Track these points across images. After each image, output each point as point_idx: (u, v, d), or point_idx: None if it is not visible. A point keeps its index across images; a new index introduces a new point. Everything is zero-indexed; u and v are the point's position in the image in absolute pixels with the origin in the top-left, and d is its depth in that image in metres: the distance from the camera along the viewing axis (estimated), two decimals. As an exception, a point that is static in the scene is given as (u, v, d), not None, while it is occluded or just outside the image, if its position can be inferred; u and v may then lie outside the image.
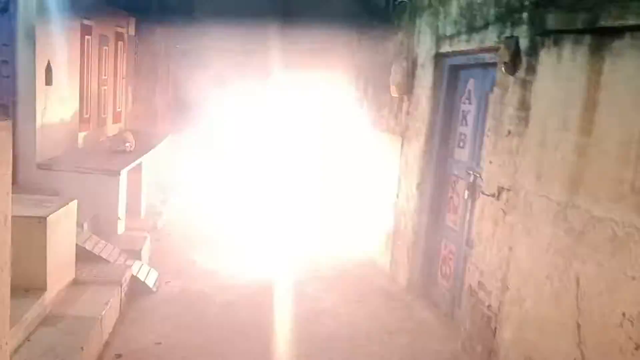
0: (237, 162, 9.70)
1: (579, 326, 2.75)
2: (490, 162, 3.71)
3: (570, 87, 2.91)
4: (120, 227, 5.39)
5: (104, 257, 4.58)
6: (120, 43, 8.70)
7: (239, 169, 9.28)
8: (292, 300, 4.76)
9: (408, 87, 5.20)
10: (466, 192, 4.32)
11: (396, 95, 5.40)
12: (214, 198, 8.01)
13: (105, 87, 8.05)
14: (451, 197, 4.69)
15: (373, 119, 6.31)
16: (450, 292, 4.57)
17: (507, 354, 3.34)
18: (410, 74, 5.17)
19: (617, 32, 2.57)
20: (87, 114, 7.17)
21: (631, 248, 2.45)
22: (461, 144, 4.57)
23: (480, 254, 3.77)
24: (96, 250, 4.60)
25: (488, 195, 3.71)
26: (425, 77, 4.91)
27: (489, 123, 3.79)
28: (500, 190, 3.55)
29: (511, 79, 3.51)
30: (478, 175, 4.19)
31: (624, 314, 2.47)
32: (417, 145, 4.97)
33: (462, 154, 4.52)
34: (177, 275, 5.06)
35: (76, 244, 4.41)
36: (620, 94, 2.58)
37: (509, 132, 3.49)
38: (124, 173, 5.45)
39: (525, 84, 3.36)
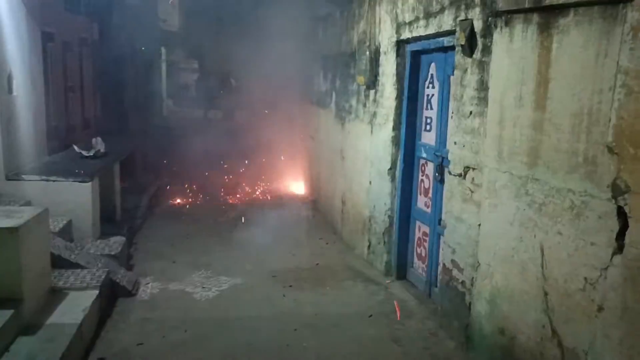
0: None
1: (545, 294, 2.86)
2: (455, 143, 3.80)
3: (523, 65, 3.01)
4: (95, 233, 5.36)
5: (81, 263, 4.56)
6: (84, 48, 8.60)
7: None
8: (271, 291, 4.81)
9: (373, 75, 5.27)
10: (436, 174, 4.41)
11: (362, 84, 5.47)
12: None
13: (72, 94, 7.98)
14: (422, 180, 4.78)
15: (342, 109, 6.37)
16: (426, 272, 4.68)
17: (482, 327, 3.45)
18: (375, 62, 5.24)
19: (561, 10, 2.67)
20: (54, 121, 7.10)
21: (588, 215, 2.56)
22: (428, 128, 4.66)
23: (452, 233, 3.87)
24: (72, 258, 4.58)
25: (455, 176, 3.80)
26: (388, 65, 4.98)
27: (452, 105, 3.88)
28: (466, 169, 3.65)
29: (469, 60, 3.60)
30: (445, 156, 4.28)
31: (585, 279, 2.58)
32: (385, 132, 5.04)
33: (429, 138, 4.61)
34: (156, 277, 5.05)
35: (51, 252, 4.39)
36: (569, 69, 2.68)
37: (471, 113, 3.59)
38: (95, 179, 5.42)
39: (482, 65, 3.45)
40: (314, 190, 7.92)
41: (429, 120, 4.65)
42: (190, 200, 8.21)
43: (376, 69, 5.21)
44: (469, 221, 3.62)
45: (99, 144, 6.42)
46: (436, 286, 4.51)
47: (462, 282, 3.71)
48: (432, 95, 4.57)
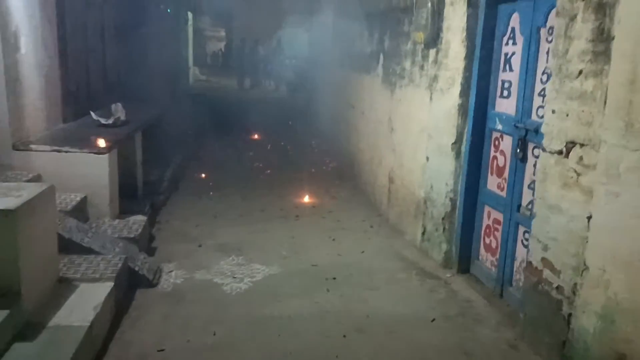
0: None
1: (701, 318, 2.10)
2: (554, 112, 3.00)
3: (680, 2, 2.18)
4: (113, 211, 4.75)
5: (95, 248, 3.95)
6: (107, 8, 7.94)
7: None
8: (312, 284, 4.15)
9: (435, 31, 4.44)
10: (517, 150, 3.62)
11: (420, 42, 4.65)
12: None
13: (94, 56, 7.35)
14: (494, 157, 4.00)
15: (392, 73, 5.56)
16: (497, 267, 3.93)
17: (588, 348, 2.71)
18: (437, 16, 4.41)
19: None
20: (73, 85, 6.49)
21: None
22: (505, 94, 3.85)
23: (543, 225, 3.10)
24: (85, 241, 3.97)
25: (552, 153, 3.01)
26: (456, 17, 4.15)
27: (551, 63, 3.07)
28: (571, 145, 2.86)
29: (580, 4, 2.78)
30: (530, 129, 3.49)
31: None
32: (449, 99, 4.25)
33: (508, 105, 3.81)
34: (180, 263, 4.43)
35: (60, 236, 3.80)
36: None
37: (581, 72, 2.78)
38: (113, 150, 4.78)
39: (602, 8, 2.63)
40: (354, 164, 7.17)
41: (506, 85, 3.83)
42: (218, 173, 7.54)
43: (439, 24, 4.39)
44: (572, 211, 2.84)
45: (119, 111, 5.78)
46: (511, 285, 3.77)
47: (558, 288, 2.96)
48: (513, 53, 3.75)
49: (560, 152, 2.94)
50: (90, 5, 7.09)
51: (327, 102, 9.36)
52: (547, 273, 3.06)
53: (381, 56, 5.92)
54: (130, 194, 5.49)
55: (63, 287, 3.45)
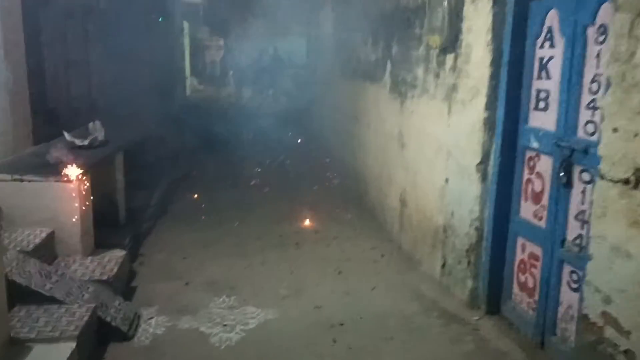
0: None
1: None
2: (616, 130, 2.39)
3: None
4: (86, 246, 4.14)
5: (58, 297, 3.34)
6: (90, 17, 7.39)
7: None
8: (316, 332, 3.53)
9: (452, 33, 3.85)
10: (559, 174, 3.01)
11: (435, 46, 4.06)
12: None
13: (76, 71, 6.81)
14: (529, 181, 3.39)
15: (402, 81, 4.96)
16: (536, 311, 3.31)
17: None
18: (455, 16, 3.82)
19: None
20: (52, 103, 5.94)
21: None
22: (541, 106, 3.25)
23: (605, 270, 2.48)
24: (47, 288, 3.36)
25: (615, 182, 2.40)
26: (479, 17, 3.56)
27: (608, 69, 2.45)
28: (641, 174, 2.25)
29: (652, -7, 2.17)
30: (578, 148, 2.88)
31: None
32: (473, 111, 3.64)
33: (545, 120, 3.20)
34: (163, 307, 3.82)
35: (16, 283, 3.20)
36: None
37: (655, 80, 2.17)
38: (86, 176, 4.18)
39: (686, -3, 2.02)
40: (360, 182, 6.56)
41: (543, 95, 3.23)
42: (211, 193, 6.93)
43: (458, 25, 3.79)
44: (647, 258, 2.23)
45: (97, 130, 5.17)
46: (554, 334, 3.14)
47: (627, 353, 2.33)
48: (551, 57, 3.15)
49: (626, 182, 2.33)
50: (70, 15, 6.54)
51: (329, 113, 8.77)
52: (610, 332, 2.44)
53: (388, 63, 5.32)
54: (110, 223, 4.90)
55: (13, 351, 2.84)
